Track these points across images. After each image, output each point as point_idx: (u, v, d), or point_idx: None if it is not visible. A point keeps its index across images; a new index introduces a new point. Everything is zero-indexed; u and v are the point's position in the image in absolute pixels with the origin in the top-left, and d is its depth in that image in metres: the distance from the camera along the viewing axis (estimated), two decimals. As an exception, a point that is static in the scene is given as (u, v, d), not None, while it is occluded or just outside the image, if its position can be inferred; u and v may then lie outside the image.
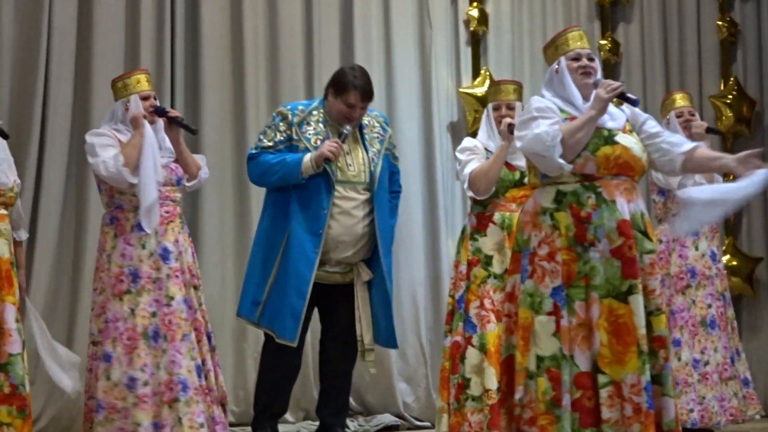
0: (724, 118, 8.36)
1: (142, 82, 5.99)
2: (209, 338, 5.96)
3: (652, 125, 4.95)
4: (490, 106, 6.42)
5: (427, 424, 7.67)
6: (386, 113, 7.88)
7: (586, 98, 4.86)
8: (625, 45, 8.73)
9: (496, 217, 6.21)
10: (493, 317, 6.08)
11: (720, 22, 8.56)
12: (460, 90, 8.22)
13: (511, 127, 6.20)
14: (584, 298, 4.67)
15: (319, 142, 5.86)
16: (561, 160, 4.66)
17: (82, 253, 7.26)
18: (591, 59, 4.94)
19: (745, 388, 6.91)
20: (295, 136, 5.88)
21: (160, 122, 6.01)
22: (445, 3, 8.40)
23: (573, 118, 4.81)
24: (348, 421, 7.42)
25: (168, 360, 5.68)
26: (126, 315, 5.71)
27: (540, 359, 4.68)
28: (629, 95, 4.83)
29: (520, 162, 6.23)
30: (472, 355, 6.10)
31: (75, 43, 7.42)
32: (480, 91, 8.13)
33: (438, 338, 7.75)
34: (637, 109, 4.98)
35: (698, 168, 5.09)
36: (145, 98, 5.95)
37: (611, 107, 4.83)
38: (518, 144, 4.88)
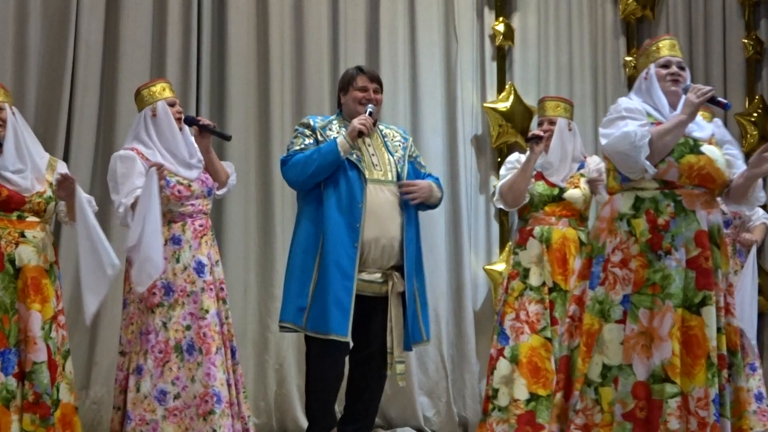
0: (749, 136, 8.34)
1: (167, 89, 6.00)
2: (233, 353, 5.95)
3: (730, 151, 4.94)
4: (536, 121, 6.48)
5: (447, 438, 7.67)
6: (411, 126, 7.93)
7: (673, 106, 4.86)
8: (651, 62, 8.70)
9: (536, 230, 6.28)
10: (527, 329, 6.12)
11: (746, 40, 8.54)
12: (485, 105, 8.22)
13: (536, 139, 6.24)
14: (650, 306, 4.64)
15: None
16: (646, 162, 4.66)
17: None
18: (682, 68, 4.95)
19: (757, 403, 6.89)
20: (320, 138, 5.87)
21: (188, 131, 6.02)
22: (471, 17, 8.41)
23: (659, 123, 4.80)
24: (368, 435, 7.43)
25: (203, 373, 5.68)
26: (158, 328, 5.72)
27: (607, 368, 4.69)
28: (720, 99, 4.83)
29: (557, 178, 6.28)
30: (503, 366, 6.14)
31: (101, 54, 7.44)
32: (504, 105, 8.13)
33: (459, 352, 7.76)
34: (723, 129, 4.97)
35: (738, 192, 4.95)
36: (171, 104, 5.96)
37: (698, 118, 4.82)
38: (602, 142, 4.86)
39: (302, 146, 5.86)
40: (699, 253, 4.67)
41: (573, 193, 6.32)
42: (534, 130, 6.49)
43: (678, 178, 4.72)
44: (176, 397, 5.68)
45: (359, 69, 6.07)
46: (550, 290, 6.17)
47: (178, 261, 5.80)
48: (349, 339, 5.72)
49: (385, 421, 7.80)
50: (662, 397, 4.57)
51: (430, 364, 7.90)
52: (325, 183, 5.81)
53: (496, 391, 6.10)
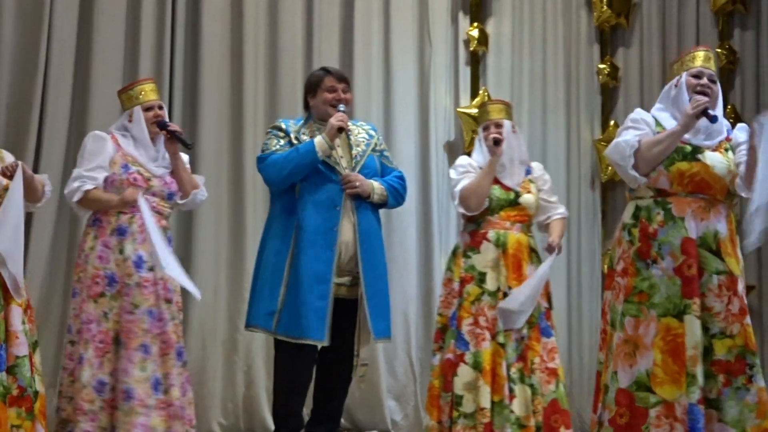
0: (721, 145, 8.37)
1: (146, 92, 6.01)
2: (180, 354, 5.87)
3: (741, 151, 4.93)
4: (480, 128, 6.48)
5: (415, 442, 7.68)
6: (384, 130, 7.92)
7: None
8: (624, 69, 8.73)
9: (491, 234, 6.24)
10: (488, 335, 6.09)
11: (719, 50, 8.57)
12: (458, 109, 8.23)
13: (497, 142, 6.25)
14: (636, 314, 4.67)
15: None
16: (633, 172, 4.71)
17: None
18: (713, 80, 4.98)
19: None
20: (294, 141, 5.83)
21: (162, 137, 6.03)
22: (445, 22, 8.41)
23: None
24: (336, 438, 7.43)
25: (121, 368, 5.66)
26: (100, 318, 5.72)
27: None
28: (710, 111, 4.84)
29: (512, 181, 6.29)
30: (465, 372, 6.11)
31: (74, 53, 7.42)
32: (477, 111, 8.13)
33: (428, 356, 7.74)
34: (740, 133, 4.97)
35: (746, 177, 4.90)
36: (147, 109, 5.97)
37: (717, 124, 4.85)
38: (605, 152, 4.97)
39: (277, 147, 5.84)
40: (683, 261, 4.70)
41: (528, 198, 6.33)
42: (480, 135, 6.47)
43: (669, 185, 4.76)
44: (112, 389, 5.67)
45: (326, 70, 6.05)
46: (505, 295, 6.17)
47: (121, 252, 5.78)
48: (327, 342, 5.70)
49: (353, 424, 7.80)
50: (647, 405, 4.60)
51: (399, 368, 7.90)
52: (300, 184, 5.80)
53: (460, 398, 6.09)
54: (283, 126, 5.94)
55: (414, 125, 8.19)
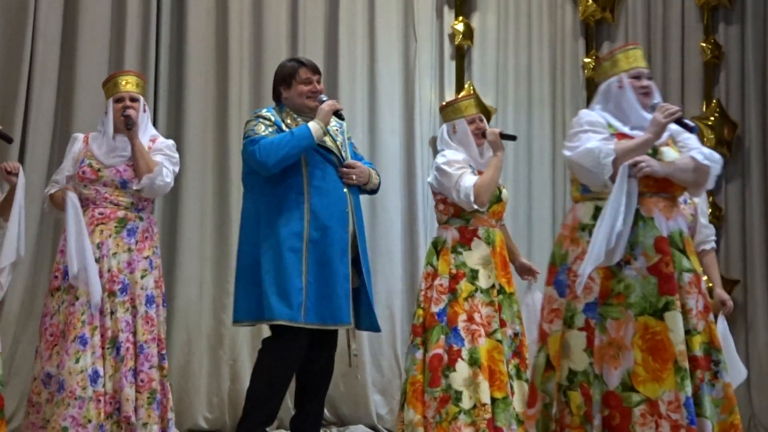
0: (705, 140, 8.38)
1: (118, 84, 5.99)
2: (118, 349, 5.73)
3: (682, 137, 4.93)
4: (463, 121, 6.37)
5: (400, 436, 7.67)
6: (368, 125, 7.95)
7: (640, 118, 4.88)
8: (609, 64, 8.73)
9: (480, 231, 6.23)
10: (483, 331, 6.10)
11: (704, 44, 8.58)
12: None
13: (503, 137, 6.25)
14: (617, 316, 4.67)
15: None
16: (608, 180, 4.68)
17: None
18: (650, 78, 4.97)
19: None
20: (284, 129, 5.79)
21: (144, 127, 6.00)
22: (430, 16, 8.41)
23: (620, 134, 4.83)
24: (321, 432, 7.44)
25: (59, 360, 5.66)
26: (53, 311, 5.74)
27: (573, 373, 4.73)
28: (687, 121, 4.82)
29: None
30: (463, 368, 6.09)
31: (59, 48, 7.42)
32: (463, 105, 8.15)
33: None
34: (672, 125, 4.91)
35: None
36: (119, 100, 5.95)
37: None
38: (566, 154, 4.87)
39: (267, 132, 5.71)
40: (659, 259, 4.68)
41: (506, 194, 6.38)
42: (456, 134, 6.42)
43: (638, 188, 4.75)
44: (104, 385, 5.66)
45: (299, 62, 5.96)
46: (498, 292, 6.18)
47: None
48: (352, 324, 5.75)
49: (338, 418, 7.81)
50: (630, 404, 4.61)
51: (384, 362, 7.92)
52: (307, 169, 5.74)
53: (459, 393, 6.08)
54: (270, 115, 5.82)
55: (399, 120, 8.19)
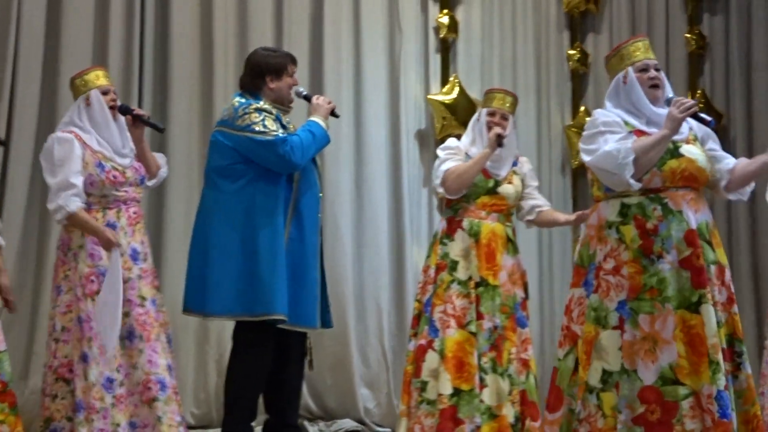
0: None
1: (101, 77, 5.98)
2: (169, 341, 5.93)
3: (712, 146, 4.95)
4: (483, 111, 6.41)
5: (388, 430, 7.67)
6: (354, 118, 7.94)
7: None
8: (594, 55, 8.73)
9: (465, 223, 6.25)
10: (453, 322, 6.12)
11: (689, 35, 8.59)
12: (429, 97, 8.22)
13: (500, 138, 6.24)
14: (650, 311, 4.67)
15: (292, 128, 5.85)
16: (631, 180, 4.67)
17: (46, 252, 7.26)
18: (658, 69, 4.95)
19: None
20: (284, 123, 5.81)
21: (122, 120, 5.99)
22: (415, 9, 8.39)
23: (638, 131, 4.82)
24: (308, 426, 7.44)
25: (145, 360, 5.69)
26: None
27: (608, 374, 4.71)
28: (703, 115, 4.81)
29: (499, 171, 6.29)
30: (432, 358, 6.13)
31: (43, 42, 7.41)
32: (449, 98, 8.14)
33: (401, 344, 7.76)
34: (697, 127, 4.94)
35: (740, 180, 5.00)
36: (105, 92, 5.94)
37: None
38: (585, 158, 4.84)
39: (279, 130, 5.67)
40: (691, 252, 4.69)
41: (507, 189, 6.35)
42: (482, 117, 6.42)
43: (662, 183, 4.73)
44: (121, 384, 5.67)
45: (290, 57, 5.98)
46: (477, 285, 6.18)
47: None
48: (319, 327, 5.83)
49: (325, 412, 7.81)
50: (676, 398, 4.61)
51: (372, 356, 7.91)
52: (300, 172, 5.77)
53: (425, 383, 6.11)
54: (270, 108, 5.76)
55: (384, 113, 8.17)
